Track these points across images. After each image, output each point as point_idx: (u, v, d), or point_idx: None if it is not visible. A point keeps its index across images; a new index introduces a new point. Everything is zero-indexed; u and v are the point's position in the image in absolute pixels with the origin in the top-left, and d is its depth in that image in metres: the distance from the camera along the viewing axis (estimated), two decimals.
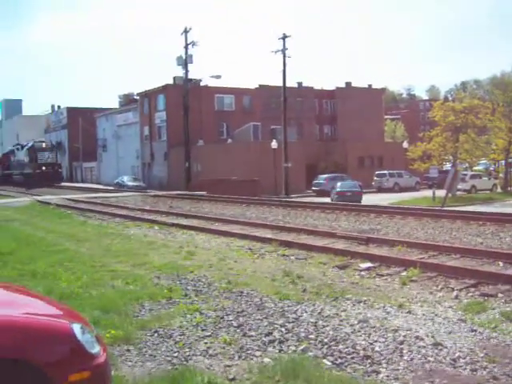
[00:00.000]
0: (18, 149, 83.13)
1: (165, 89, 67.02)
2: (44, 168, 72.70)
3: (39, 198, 40.17)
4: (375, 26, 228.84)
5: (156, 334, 7.22)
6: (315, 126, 78.52)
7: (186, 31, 55.31)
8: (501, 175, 54.95)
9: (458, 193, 44.96)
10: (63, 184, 73.66)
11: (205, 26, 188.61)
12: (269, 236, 17.14)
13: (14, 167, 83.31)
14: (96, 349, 4.16)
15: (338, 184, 44.02)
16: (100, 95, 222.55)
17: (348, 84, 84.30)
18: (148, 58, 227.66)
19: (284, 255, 13.99)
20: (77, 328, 4.11)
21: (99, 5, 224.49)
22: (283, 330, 7.37)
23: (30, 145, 77.78)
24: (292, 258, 13.65)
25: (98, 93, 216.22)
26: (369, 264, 12.30)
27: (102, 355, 4.19)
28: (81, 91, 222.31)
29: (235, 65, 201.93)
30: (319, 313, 8.14)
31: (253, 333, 7.28)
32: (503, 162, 53.82)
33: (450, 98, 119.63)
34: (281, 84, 53.81)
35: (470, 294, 9.85)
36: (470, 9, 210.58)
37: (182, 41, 55.78)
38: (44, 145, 78.65)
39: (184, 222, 22.43)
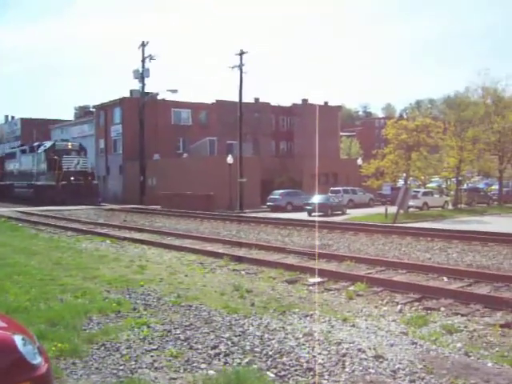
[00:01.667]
0: (23, 151, 62.98)
1: (121, 102, 66.58)
2: (73, 179, 51.78)
3: None
4: (333, 43, 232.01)
5: (103, 348, 7.25)
6: (271, 142, 78.94)
7: (143, 45, 55.29)
8: (452, 192, 56.05)
9: (411, 209, 45.75)
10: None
11: (163, 40, 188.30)
12: (221, 251, 17.28)
13: (13, 177, 64.44)
14: (37, 360, 4.21)
15: (315, 198, 45.45)
16: (56, 107, 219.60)
17: (305, 101, 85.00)
18: (106, 70, 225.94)
19: (235, 270, 14.12)
20: (18, 339, 4.16)
21: (59, 16, 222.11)
22: (229, 343, 7.48)
23: (48, 145, 56.36)
24: (243, 272, 13.79)
25: (53, 104, 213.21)
26: (317, 279, 12.51)
27: (43, 366, 4.24)
28: (36, 102, 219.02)
29: (193, 79, 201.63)
30: (266, 326, 8.28)
31: (199, 346, 7.36)
32: (454, 179, 54.96)
33: (405, 116, 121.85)
34: (238, 99, 54.08)
35: (414, 308, 10.15)
36: (427, 29, 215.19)
37: (139, 54, 55.75)
38: (69, 145, 56.47)
39: (137, 235, 22.40)
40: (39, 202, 51.18)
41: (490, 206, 55.11)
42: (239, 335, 7.84)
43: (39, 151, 56.42)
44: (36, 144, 60.33)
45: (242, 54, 52.74)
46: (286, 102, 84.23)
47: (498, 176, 58.80)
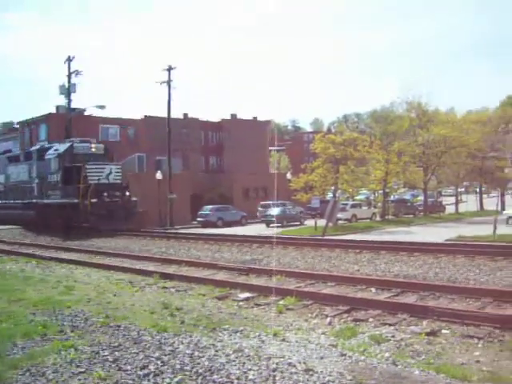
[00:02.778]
0: (12, 159, 46.90)
1: (47, 118, 65.18)
2: (106, 194, 37.07)
3: None
4: (261, 59, 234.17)
5: (28, 373, 7.01)
6: (201, 157, 78.81)
7: (69, 60, 54.27)
8: (379, 204, 57.30)
9: (340, 222, 46.50)
10: None
11: (92, 56, 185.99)
12: (150, 268, 17.10)
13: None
14: None
15: (273, 210, 49.40)
16: None
17: (233, 116, 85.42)
18: (31, 86, 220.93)
19: (165, 288, 13.99)
20: None
21: None
22: (159, 362, 7.37)
23: (61, 148, 39.66)
24: (172, 290, 13.68)
25: None
26: (247, 294, 12.53)
27: None
28: None
29: (122, 95, 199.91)
30: (196, 344, 8.21)
31: (128, 367, 7.22)
32: (381, 191, 56.23)
33: (333, 131, 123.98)
34: (166, 115, 53.89)
35: (343, 320, 10.28)
36: (352, 44, 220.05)
37: (65, 69, 54.73)
38: (93, 147, 39.92)
39: (64, 255, 21.91)
40: (44, 226, 38.79)
41: (416, 217, 56.69)
42: (169, 354, 7.74)
43: (48, 157, 39.71)
44: (35, 148, 45.04)
45: (170, 69, 52.67)
46: (216, 118, 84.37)
47: (422, 187, 60.55)
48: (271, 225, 47.08)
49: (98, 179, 36.76)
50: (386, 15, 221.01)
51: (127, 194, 38.80)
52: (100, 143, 42.25)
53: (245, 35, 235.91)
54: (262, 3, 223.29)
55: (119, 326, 9.33)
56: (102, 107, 54.67)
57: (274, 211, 49.23)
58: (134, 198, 39.35)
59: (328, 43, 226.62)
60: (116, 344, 8.28)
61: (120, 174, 39.63)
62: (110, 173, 38.10)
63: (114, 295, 12.62)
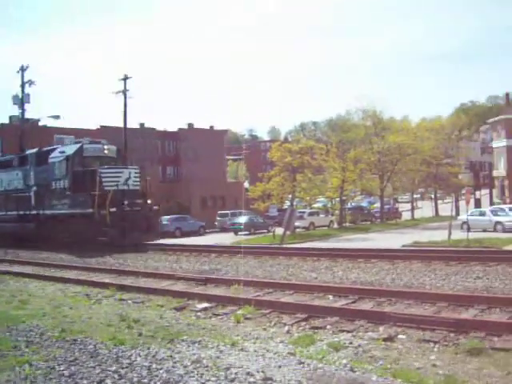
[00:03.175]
0: (3, 164, 41.10)
1: (0, 128, 64.20)
2: (126, 203, 31.47)
3: None
4: (218, 68, 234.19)
5: None
6: (158, 167, 78.42)
7: (22, 69, 53.45)
8: (337, 212, 57.78)
9: (298, 230, 46.74)
10: None
11: (50, 66, 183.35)
12: (107, 280, 16.91)
13: None
14: None
15: (241, 218, 51.01)
16: None
17: (190, 125, 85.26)
18: None
19: (122, 299, 13.85)
20: None
21: None
22: (116, 376, 7.27)
23: (69, 151, 34.13)
24: (130, 302, 13.54)
25: None
26: (205, 304, 12.48)
27: None
28: None
29: (78, 105, 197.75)
30: (153, 356, 8.13)
31: (85, 381, 7.10)
32: (338, 199, 56.73)
33: (290, 139, 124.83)
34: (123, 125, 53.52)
35: (301, 328, 10.30)
36: (310, 54, 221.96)
37: (18, 79, 53.86)
38: (106, 149, 34.66)
39: (18, 269, 21.49)
40: (45, 240, 33.44)
41: (373, 224, 57.40)
42: (126, 367, 7.65)
43: (52, 160, 34.20)
44: (32, 151, 38.43)
45: (125, 78, 52.37)
46: (172, 127, 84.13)
47: (379, 194, 61.31)
48: (239, 233, 47.79)
49: (116, 185, 31.15)
50: (349, 27, 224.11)
51: (149, 201, 33.84)
52: (111, 145, 36.37)
53: (203, 45, 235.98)
54: (212, 11, 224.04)
55: (75, 340, 9.19)
56: (56, 117, 54.00)
57: (242, 219, 49.67)
58: (155, 207, 34.64)
59: (291, 52, 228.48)
60: (72, 358, 8.14)
61: (139, 179, 34.17)
62: (129, 177, 32.49)
63: (70, 308, 12.43)
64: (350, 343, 8.94)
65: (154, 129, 78.99)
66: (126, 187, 31.72)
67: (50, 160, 34.08)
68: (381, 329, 9.97)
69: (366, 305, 12.33)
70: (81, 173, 32.45)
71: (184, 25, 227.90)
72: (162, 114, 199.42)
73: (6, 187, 38.94)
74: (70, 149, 34.21)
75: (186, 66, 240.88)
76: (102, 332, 9.79)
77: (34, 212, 35.17)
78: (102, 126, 69.79)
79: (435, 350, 8.57)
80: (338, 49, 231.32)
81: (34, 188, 35.51)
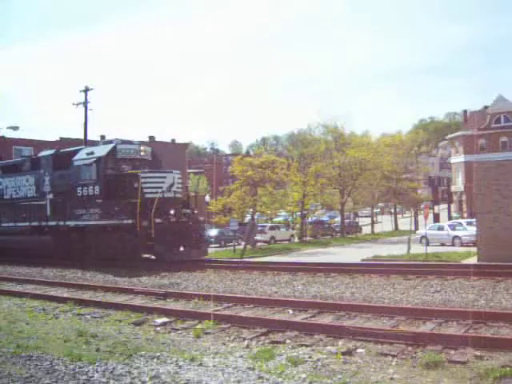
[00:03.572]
0: (9, 169, 35.33)
1: None
2: (172, 212, 26.73)
3: None
4: (180, 81, 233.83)
5: None
6: None
7: None
8: (298, 226, 57.99)
9: (258, 244, 46.79)
10: None
11: (11, 77, 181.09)
12: (65, 295, 16.68)
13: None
14: None
15: (211, 231, 51.01)
16: None
17: (151, 138, 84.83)
18: None
19: (80, 314, 13.67)
20: None
21: None
22: None
23: (102, 152, 28.69)
24: (88, 316, 13.37)
25: None
26: (165, 319, 12.39)
27: None
28: None
29: (38, 117, 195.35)
30: (111, 372, 8.03)
31: None
32: (299, 213, 56.95)
33: (251, 153, 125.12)
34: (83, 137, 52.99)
35: (261, 343, 10.29)
36: (271, 67, 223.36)
37: None
38: (142, 150, 29.84)
39: None
40: (65, 256, 28.93)
41: (334, 238, 57.73)
42: (83, 383, 7.55)
43: (78, 163, 28.82)
44: (47, 153, 32.67)
45: (86, 90, 51.87)
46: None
47: (339, 209, 61.77)
48: (210, 245, 47.75)
49: (162, 192, 26.50)
50: (310, 40, 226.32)
51: (195, 211, 29.25)
52: (147, 146, 31.78)
53: (163, 58, 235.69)
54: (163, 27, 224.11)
55: (31, 356, 9.02)
56: (15, 128, 53.45)
57: (213, 232, 50.31)
58: (201, 218, 30.15)
59: (251, 64, 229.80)
60: (27, 375, 7.99)
61: (181, 185, 29.81)
62: (173, 183, 27.54)
63: (27, 324, 12.21)
64: (309, 357, 8.96)
65: None
66: (171, 195, 27.25)
67: (76, 163, 28.81)
68: (340, 343, 10.02)
69: (326, 319, 12.39)
70: (115, 177, 27.91)
71: (146, 33, 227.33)
72: (124, 126, 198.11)
73: (12, 195, 33.78)
74: (101, 150, 28.91)
75: (147, 78, 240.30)
76: (59, 347, 9.65)
77: (50, 223, 30.24)
78: (61, 138, 68.97)
79: (393, 363, 8.65)
80: (299, 62, 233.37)
81: (50, 195, 30.52)
